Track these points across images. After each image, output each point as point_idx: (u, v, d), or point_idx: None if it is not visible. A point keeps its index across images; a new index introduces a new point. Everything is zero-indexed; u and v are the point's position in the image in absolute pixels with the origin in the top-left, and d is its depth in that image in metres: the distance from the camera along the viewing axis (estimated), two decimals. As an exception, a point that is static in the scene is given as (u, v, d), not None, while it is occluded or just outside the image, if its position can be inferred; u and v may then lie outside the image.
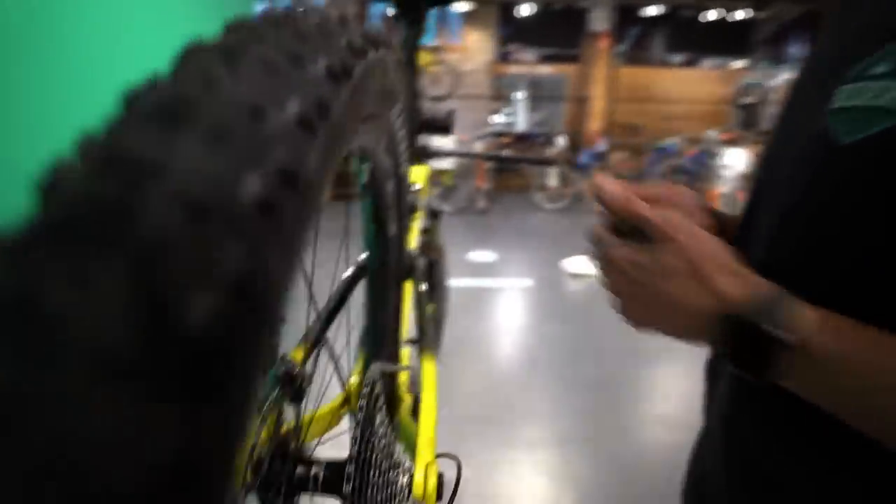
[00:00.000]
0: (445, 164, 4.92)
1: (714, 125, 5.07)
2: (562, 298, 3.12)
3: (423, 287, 0.82)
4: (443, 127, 0.76)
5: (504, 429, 1.79)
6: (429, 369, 0.52)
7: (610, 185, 0.37)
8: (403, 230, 0.63)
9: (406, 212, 0.61)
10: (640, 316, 0.36)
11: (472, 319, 2.71)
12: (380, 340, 0.68)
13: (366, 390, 0.36)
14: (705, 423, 0.46)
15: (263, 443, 0.37)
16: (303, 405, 0.40)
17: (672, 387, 2.13)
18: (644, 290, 0.33)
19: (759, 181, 0.39)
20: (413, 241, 0.99)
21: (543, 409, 1.93)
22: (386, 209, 0.55)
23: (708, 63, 6.39)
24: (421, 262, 0.77)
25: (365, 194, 0.51)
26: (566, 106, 6.15)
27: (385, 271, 0.63)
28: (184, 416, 0.10)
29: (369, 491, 0.34)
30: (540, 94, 5.99)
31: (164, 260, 0.11)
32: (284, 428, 0.40)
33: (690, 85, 6.12)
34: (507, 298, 3.08)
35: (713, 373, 0.44)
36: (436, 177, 5.05)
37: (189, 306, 0.11)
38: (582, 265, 3.38)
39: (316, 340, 0.54)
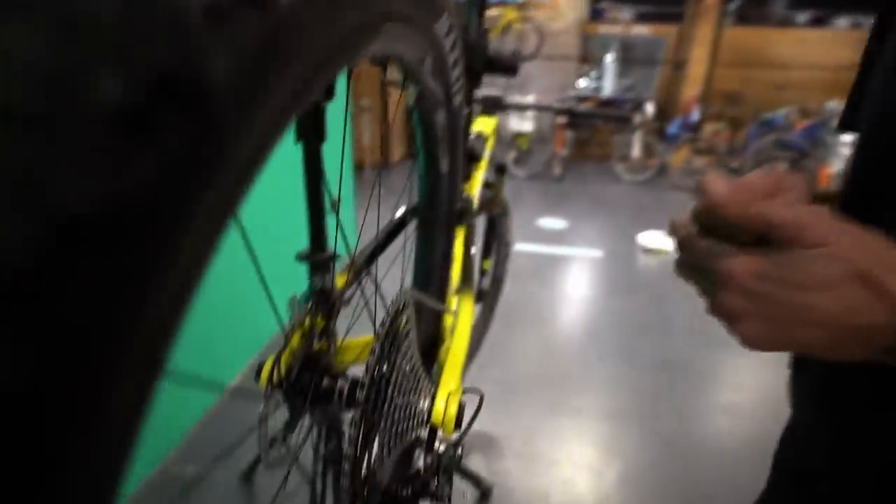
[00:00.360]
0: (524, 126, 4.76)
1: (837, 96, 4.43)
2: (632, 273, 2.97)
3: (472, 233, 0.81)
4: (508, 67, 0.72)
5: (554, 395, 1.77)
6: (465, 308, 0.52)
7: (720, 186, 0.30)
8: (456, 170, 0.61)
9: (460, 150, 0.59)
10: (770, 336, 0.29)
11: (536, 285, 2.67)
12: (427, 282, 0.68)
13: (391, 308, 0.36)
14: (797, 416, 0.42)
15: (295, 352, 0.39)
16: (334, 322, 0.41)
17: (744, 375, 1.98)
18: (780, 308, 0.28)
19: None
20: (474, 189, 0.97)
21: (598, 381, 1.88)
22: (436, 142, 0.53)
23: (843, 22, 5.52)
24: (472, 207, 0.76)
25: (415, 123, 0.49)
26: (659, 70, 5.66)
27: (435, 211, 0.63)
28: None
29: (386, 407, 0.35)
30: (631, 56, 5.55)
31: None
32: (318, 345, 0.42)
33: (814, 48, 5.35)
34: (574, 267, 2.99)
35: (801, 365, 0.39)
36: (512, 140, 4.92)
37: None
38: (657, 241, 3.19)
39: (359, 270, 0.55)
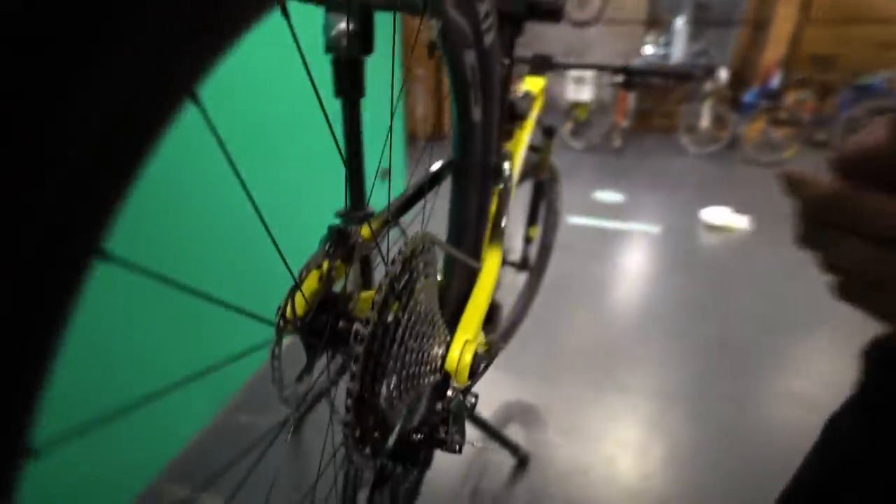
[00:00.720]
0: (582, 95, 4.55)
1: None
2: (692, 251, 2.80)
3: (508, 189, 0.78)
4: (551, 12, 0.67)
5: (602, 371, 1.72)
6: (491, 261, 0.50)
7: (816, 185, 0.25)
8: (491, 120, 0.58)
9: (495, 99, 0.56)
10: None
11: (589, 260, 2.59)
12: (460, 238, 0.67)
13: (405, 248, 0.34)
14: (863, 412, 0.36)
15: (313, 292, 0.38)
16: (351, 266, 0.40)
17: (808, 363, 1.83)
18: None
19: None
20: (518, 148, 0.93)
21: (649, 359, 1.81)
22: (466, 87, 0.51)
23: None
24: (512, 165, 0.72)
25: (445, 62, 0.47)
26: (737, 33, 5.17)
27: (467, 162, 0.60)
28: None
29: (397, 348, 0.34)
30: (705, 17, 5.11)
31: None
32: (339, 288, 0.42)
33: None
34: (630, 243, 2.86)
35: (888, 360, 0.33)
36: (570, 110, 4.72)
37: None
38: (723, 217, 2.98)
39: (385, 221, 0.54)
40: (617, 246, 2.81)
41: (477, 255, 0.71)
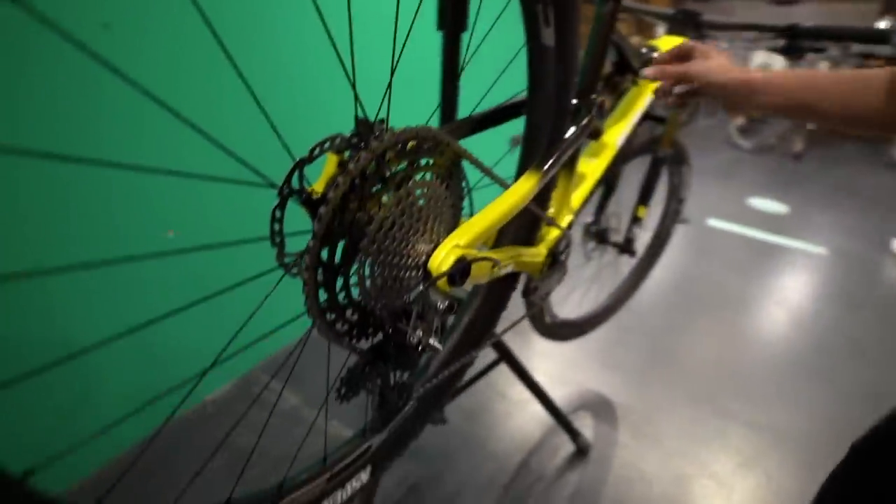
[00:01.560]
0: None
1: None
2: (866, 284, 2.28)
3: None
4: None
5: (705, 389, 1.53)
6: (524, 183, 0.45)
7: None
8: (570, 50, 0.53)
9: (572, 23, 0.51)
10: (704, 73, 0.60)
11: (729, 269, 2.27)
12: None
13: (400, 135, 0.33)
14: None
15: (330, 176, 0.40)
16: (361, 154, 0.40)
17: None
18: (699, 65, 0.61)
19: None
20: (628, 109, 0.84)
21: (770, 392, 1.54)
22: (534, 1, 0.46)
23: None
24: (602, 115, 0.65)
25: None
26: None
27: (538, 96, 0.56)
28: None
29: (381, 237, 0.33)
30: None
31: None
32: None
33: None
34: (784, 261, 2.44)
35: None
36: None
37: None
38: (925, 251, 2.37)
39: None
40: (767, 261, 2.41)
41: (545, 206, 0.66)
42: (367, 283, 0.35)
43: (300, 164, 0.38)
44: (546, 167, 0.48)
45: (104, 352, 0.90)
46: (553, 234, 0.72)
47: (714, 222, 2.77)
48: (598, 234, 1.28)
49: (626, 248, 1.28)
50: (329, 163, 0.40)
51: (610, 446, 1.31)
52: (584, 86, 0.68)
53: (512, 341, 1.52)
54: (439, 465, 1.27)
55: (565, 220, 0.75)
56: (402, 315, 0.37)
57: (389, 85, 0.48)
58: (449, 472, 1.26)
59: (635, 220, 1.24)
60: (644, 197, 1.21)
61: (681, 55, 0.63)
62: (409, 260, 0.37)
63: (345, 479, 0.52)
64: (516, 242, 0.66)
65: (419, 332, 0.36)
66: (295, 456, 0.52)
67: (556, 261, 0.73)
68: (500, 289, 0.67)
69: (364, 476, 0.55)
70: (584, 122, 0.58)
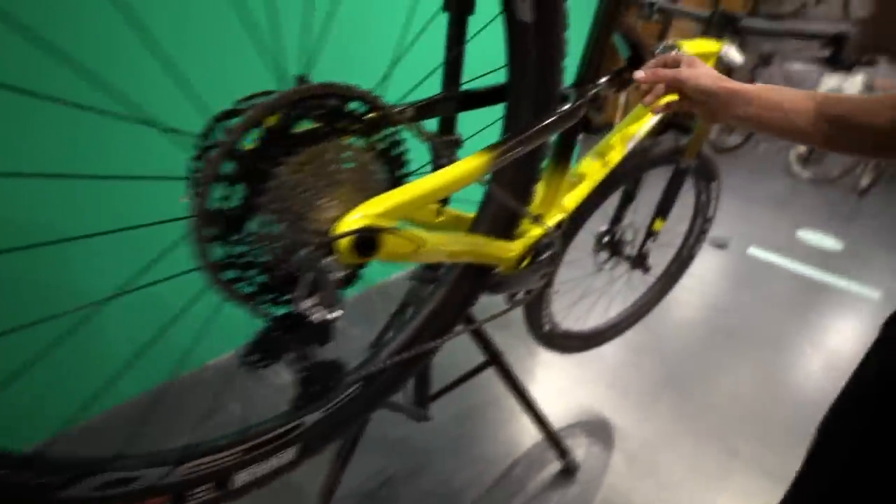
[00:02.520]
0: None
1: None
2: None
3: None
4: None
5: (716, 426, 1.42)
6: (470, 161, 0.42)
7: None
8: (554, 30, 0.49)
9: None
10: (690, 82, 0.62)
11: (770, 305, 2.11)
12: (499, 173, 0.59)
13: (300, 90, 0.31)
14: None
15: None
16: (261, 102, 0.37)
17: None
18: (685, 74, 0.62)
19: None
20: (640, 122, 0.79)
21: (790, 439, 1.41)
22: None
23: None
24: (596, 105, 0.61)
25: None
26: None
27: (520, 79, 0.52)
28: None
29: (283, 195, 0.31)
30: None
31: None
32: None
33: None
34: (833, 302, 2.24)
35: None
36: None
37: None
38: None
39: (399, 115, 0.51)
40: (810, 299, 2.23)
41: (524, 199, 0.62)
42: (265, 241, 0.33)
43: (220, 118, 0.36)
44: (502, 148, 0.44)
45: (111, 307, 0.93)
46: (535, 231, 0.67)
47: (756, 251, 2.59)
48: (611, 245, 1.22)
49: (639, 263, 1.21)
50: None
51: (600, 470, 1.24)
52: (580, 76, 0.64)
53: (513, 346, 1.47)
54: (419, 462, 1.24)
55: (552, 219, 0.71)
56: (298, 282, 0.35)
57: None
58: (428, 470, 1.22)
59: (651, 233, 1.17)
60: (662, 210, 1.13)
61: (668, 63, 0.64)
62: (315, 224, 0.34)
63: (265, 453, 0.50)
64: (491, 233, 0.62)
65: (310, 301, 0.33)
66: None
67: (535, 260, 0.69)
68: (468, 280, 0.63)
69: (290, 454, 0.53)
70: (565, 109, 0.54)
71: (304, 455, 0.54)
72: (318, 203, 0.34)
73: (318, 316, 0.33)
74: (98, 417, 1.18)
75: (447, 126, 0.81)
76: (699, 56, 0.93)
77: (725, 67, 0.92)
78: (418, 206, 0.38)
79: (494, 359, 1.10)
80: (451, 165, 0.40)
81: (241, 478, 0.49)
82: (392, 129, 0.39)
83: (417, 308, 0.63)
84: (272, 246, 0.34)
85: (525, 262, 0.67)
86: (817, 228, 2.97)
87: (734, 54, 0.98)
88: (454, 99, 0.57)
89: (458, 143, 0.83)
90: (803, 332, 1.97)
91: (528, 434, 1.30)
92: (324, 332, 0.38)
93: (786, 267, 2.48)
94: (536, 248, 0.68)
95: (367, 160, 0.37)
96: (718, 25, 0.95)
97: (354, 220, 0.34)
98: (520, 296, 0.71)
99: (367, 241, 0.34)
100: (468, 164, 0.41)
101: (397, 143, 0.40)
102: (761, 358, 1.76)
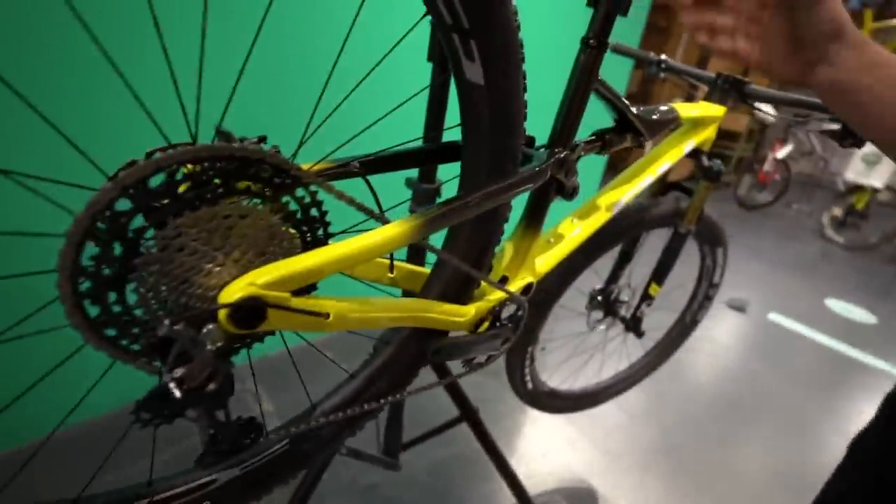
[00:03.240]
0: (871, 179, 3.50)
1: None
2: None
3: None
4: None
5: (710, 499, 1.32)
6: (393, 228, 0.39)
7: None
8: (509, 91, 0.47)
9: (510, 59, 0.45)
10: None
11: (792, 381, 1.97)
12: (451, 235, 0.57)
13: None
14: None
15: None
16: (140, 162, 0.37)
17: None
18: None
19: None
20: (633, 177, 0.75)
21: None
22: (445, 28, 0.41)
23: None
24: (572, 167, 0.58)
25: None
26: None
27: (473, 138, 0.50)
28: None
29: (160, 259, 0.29)
30: None
31: None
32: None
33: None
34: (860, 382, 2.08)
35: None
36: (845, 193, 3.70)
37: None
38: None
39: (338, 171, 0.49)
40: (839, 378, 2.08)
41: (480, 262, 0.59)
42: (146, 300, 0.31)
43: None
44: (433, 216, 0.42)
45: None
46: (496, 294, 0.64)
47: (778, 317, 2.46)
48: (605, 304, 1.16)
49: (633, 326, 1.15)
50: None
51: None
52: (552, 137, 0.61)
53: (503, 397, 1.41)
54: (384, 514, 1.18)
55: (519, 282, 0.67)
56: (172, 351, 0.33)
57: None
58: (392, 524, 1.16)
59: (646, 297, 1.11)
60: (658, 274, 1.08)
61: None
62: (197, 290, 0.32)
63: (167, 512, 0.47)
64: (444, 297, 0.59)
65: (177, 372, 0.31)
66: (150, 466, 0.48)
67: (494, 325, 0.65)
68: (416, 342, 0.60)
69: (198, 514, 0.49)
70: (520, 174, 0.51)
71: (216, 515, 0.51)
72: (208, 267, 0.32)
73: (180, 390, 0.31)
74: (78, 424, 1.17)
75: (427, 174, 0.80)
76: (705, 119, 0.90)
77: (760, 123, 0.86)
78: (325, 274, 0.35)
79: (468, 415, 1.04)
80: (367, 233, 0.38)
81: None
82: (301, 192, 0.37)
83: (361, 367, 0.60)
84: (152, 309, 0.32)
85: (483, 327, 0.64)
86: (848, 299, 2.80)
87: (770, 110, 0.94)
88: (409, 156, 0.55)
89: (437, 192, 0.82)
90: (825, 412, 1.83)
91: (506, 497, 1.23)
92: (217, 398, 0.35)
93: (810, 337, 2.34)
94: (496, 313, 0.64)
95: (274, 223, 0.35)
96: (723, 90, 0.92)
97: (236, 288, 0.32)
98: (478, 360, 0.67)
99: (249, 312, 0.32)
100: (389, 231, 0.38)
101: (311, 206, 0.38)
102: (772, 437, 1.63)
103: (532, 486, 1.27)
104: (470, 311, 0.60)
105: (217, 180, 0.31)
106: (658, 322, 1.34)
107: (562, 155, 0.58)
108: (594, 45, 0.56)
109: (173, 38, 0.66)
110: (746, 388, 1.87)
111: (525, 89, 0.49)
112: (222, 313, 0.31)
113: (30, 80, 0.86)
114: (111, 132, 0.90)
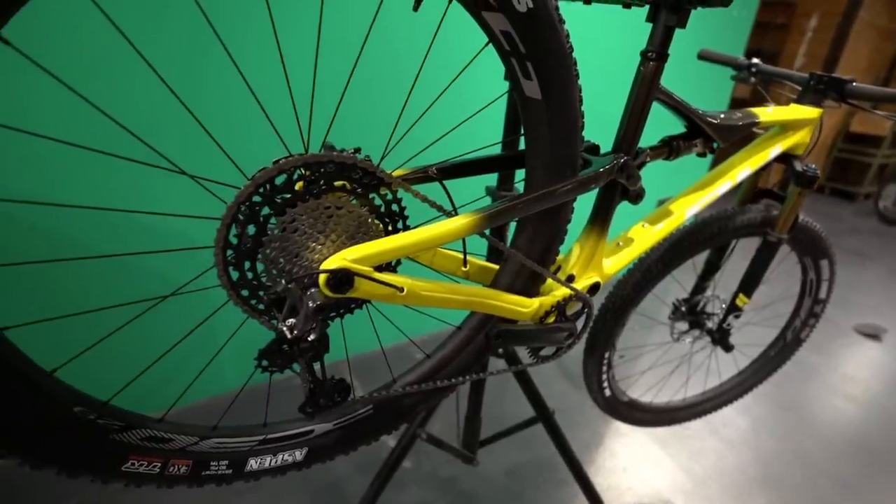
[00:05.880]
0: None
1: None
2: None
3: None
4: None
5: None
6: (454, 222, 0.46)
7: None
8: (566, 105, 0.53)
9: (563, 73, 0.51)
10: None
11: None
12: (519, 228, 0.63)
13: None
14: None
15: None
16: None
17: None
18: None
19: None
20: (708, 184, 0.76)
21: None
22: (504, 54, 0.49)
23: None
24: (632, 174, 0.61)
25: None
26: None
27: (536, 147, 0.57)
28: None
29: (283, 236, 0.40)
30: None
31: None
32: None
33: None
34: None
35: None
36: None
37: None
38: None
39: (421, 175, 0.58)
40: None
41: (545, 258, 0.65)
42: (270, 269, 0.42)
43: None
44: (492, 211, 0.49)
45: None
46: (561, 291, 0.69)
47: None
48: (692, 315, 1.13)
49: (720, 339, 1.10)
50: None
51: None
52: (616, 143, 0.65)
53: (588, 405, 1.42)
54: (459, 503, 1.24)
55: (586, 281, 0.71)
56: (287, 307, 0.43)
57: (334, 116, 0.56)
58: (466, 516, 1.22)
59: (733, 308, 1.06)
60: (746, 285, 1.03)
61: None
62: (308, 259, 0.43)
63: (276, 448, 0.58)
64: (510, 289, 0.65)
65: (288, 322, 0.41)
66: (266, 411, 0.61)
67: (560, 319, 0.69)
68: (483, 331, 0.67)
69: (298, 455, 0.60)
70: (581, 178, 0.56)
71: (311, 459, 0.62)
72: (313, 245, 0.43)
73: (290, 334, 0.41)
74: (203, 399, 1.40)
75: (504, 181, 0.88)
76: (795, 123, 0.87)
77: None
78: (400, 255, 0.44)
79: (543, 415, 1.08)
80: (432, 225, 0.46)
81: (253, 464, 0.58)
82: (385, 191, 0.47)
83: (437, 349, 0.69)
84: (275, 274, 0.43)
85: (549, 320, 0.69)
86: (881, 315, 2.32)
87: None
88: (480, 163, 0.63)
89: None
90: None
91: (579, 503, 1.23)
92: (317, 348, 0.45)
93: (846, 371, 1.98)
94: (561, 308, 0.69)
95: (363, 214, 0.45)
96: (816, 90, 0.87)
97: (332, 260, 0.42)
98: (545, 352, 0.72)
99: (340, 279, 0.42)
100: (454, 223, 0.46)
101: (392, 202, 0.47)
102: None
103: (609, 498, 1.26)
104: (534, 303, 0.65)
105: (322, 180, 0.42)
106: (757, 339, 1.26)
107: (622, 160, 0.62)
108: (652, 57, 0.60)
109: (292, 70, 0.83)
110: (876, 428, 1.65)
111: (581, 101, 0.54)
112: (322, 278, 0.42)
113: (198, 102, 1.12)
114: (246, 144, 1.11)
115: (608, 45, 1.76)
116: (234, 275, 0.44)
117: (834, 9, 3.95)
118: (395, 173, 0.57)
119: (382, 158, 0.49)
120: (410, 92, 0.58)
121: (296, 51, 1.16)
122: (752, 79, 1.02)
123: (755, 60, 1.02)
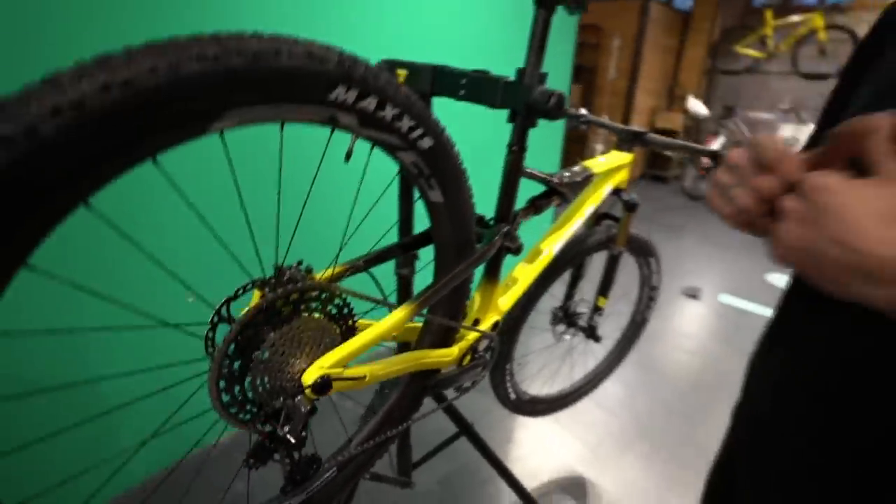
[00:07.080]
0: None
1: None
2: None
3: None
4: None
5: (687, 470, 1.53)
6: (394, 316, 0.60)
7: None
8: (458, 203, 0.68)
9: (458, 184, 0.66)
10: (805, 242, 0.32)
11: (738, 354, 2.26)
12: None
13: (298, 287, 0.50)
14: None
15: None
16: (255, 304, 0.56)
17: None
18: (833, 221, 0.29)
19: None
20: (562, 225, 0.97)
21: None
22: (413, 178, 0.63)
23: None
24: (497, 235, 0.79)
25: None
26: None
27: (441, 233, 0.71)
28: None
29: (266, 359, 0.49)
30: None
31: None
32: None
33: None
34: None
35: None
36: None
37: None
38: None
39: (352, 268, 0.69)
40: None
41: (457, 315, 0.80)
42: (258, 387, 0.50)
43: (227, 301, 0.55)
44: (423, 298, 0.63)
45: (127, 387, 1.08)
46: (472, 335, 0.85)
47: (728, 299, 2.75)
48: (567, 318, 1.39)
49: (590, 334, 1.37)
50: (254, 296, 0.57)
51: (573, 526, 1.35)
52: (497, 215, 0.83)
53: (493, 409, 1.61)
54: (405, 527, 1.35)
55: (488, 321, 0.89)
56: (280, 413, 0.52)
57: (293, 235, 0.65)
58: (412, 534, 1.34)
59: (596, 309, 1.34)
60: (603, 289, 1.31)
61: (839, 149, 0.34)
62: (290, 374, 0.52)
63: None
64: (433, 345, 0.80)
65: (286, 428, 0.50)
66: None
67: (474, 357, 0.86)
68: (418, 382, 0.80)
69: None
70: (480, 252, 0.73)
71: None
72: (290, 360, 0.52)
73: (289, 436, 0.50)
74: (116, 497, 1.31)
75: (407, 262, 1.01)
76: (618, 167, 1.14)
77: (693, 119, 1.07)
78: (362, 352, 0.56)
79: (465, 429, 1.24)
80: (378, 322, 0.58)
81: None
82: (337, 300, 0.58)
83: (378, 403, 0.80)
84: (261, 389, 0.51)
85: (466, 360, 0.85)
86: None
87: (700, 107, 1.17)
88: (392, 249, 0.76)
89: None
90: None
91: (507, 495, 1.42)
92: (299, 443, 0.54)
93: (756, 312, 2.63)
94: (474, 348, 0.85)
95: (323, 322, 0.56)
96: (626, 140, 1.16)
97: (313, 371, 0.52)
98: (466, 385, 0.87)
99: (323, 385, 0.51)
100: (398, 315, 0.59)
101: (343, 307, 0.58)
102: (729, 408, 1.88)
103: (529, 482, 1.47)
104: (454, 351, 0.80)
105: (290, 307, 0.52)
106: (618, 325, 1.58)
107: (504, 230, 0.80)
108: (514, 149, 0.78)
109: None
110: (707, 368, 2.12)
111: (472, 196, 0.71)
112: (307, 389, 0.51)
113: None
114: (213, 281, 1.09)
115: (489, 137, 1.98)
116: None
117: (629, 31, 4.80)
118: (333, 271, 0.67)
119: (331, 269, 0.60)
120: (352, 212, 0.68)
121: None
122: (583, 126, 1.29)
123: (583, 111, 1.30)
